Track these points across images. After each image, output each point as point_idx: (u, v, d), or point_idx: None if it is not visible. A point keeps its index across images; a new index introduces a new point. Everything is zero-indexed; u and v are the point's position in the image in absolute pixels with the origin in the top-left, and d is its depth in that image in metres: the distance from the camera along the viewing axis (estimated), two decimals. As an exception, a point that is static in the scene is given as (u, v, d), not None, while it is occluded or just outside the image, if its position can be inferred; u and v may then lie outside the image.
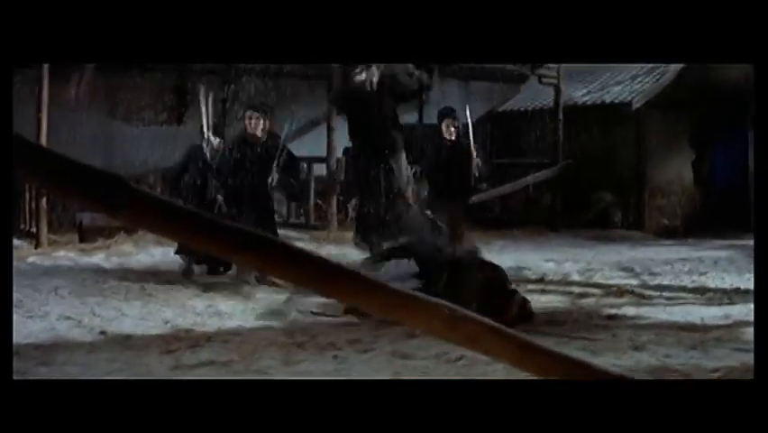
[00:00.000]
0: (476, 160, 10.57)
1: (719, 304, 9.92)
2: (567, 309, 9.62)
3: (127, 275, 11.42)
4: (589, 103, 20.69)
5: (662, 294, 10.71)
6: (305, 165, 16.63)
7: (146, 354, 7.19)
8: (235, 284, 10.38)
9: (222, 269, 11.13)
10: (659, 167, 20.38)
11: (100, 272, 11.78)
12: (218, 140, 11.09)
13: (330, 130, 16.74)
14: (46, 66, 13.85)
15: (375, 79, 9.65)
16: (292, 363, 6.89)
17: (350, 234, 15.76)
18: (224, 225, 2.43)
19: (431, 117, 17.35)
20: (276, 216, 11.86)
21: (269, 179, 10.34)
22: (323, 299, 8.38)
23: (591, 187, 20.05)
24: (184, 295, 10.04)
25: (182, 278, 10.98)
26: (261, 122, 10.49)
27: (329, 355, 7.22)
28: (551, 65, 19.87)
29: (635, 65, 20.65)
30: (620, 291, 10.75)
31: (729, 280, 11.79)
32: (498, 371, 5.54)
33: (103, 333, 8.05)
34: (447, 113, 10.82)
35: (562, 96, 20.24)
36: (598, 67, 21.43)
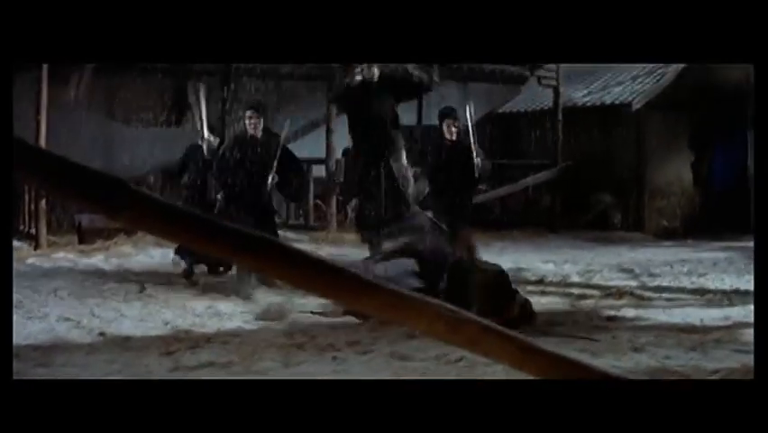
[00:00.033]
0: (477, 160, 10.53)
1: (719, 305, 9.92)
2: (566, 311, 9.62)
3: (127, 276, 11.43)
4: (588, 104, 20.71)
5: (661, 295, 10.72)
6: (304, 166, 16.64)
7: (145, 356, 7.18)
8: (236, 287, 10.34)
9: (221, 269, 11.13)
10: (659, 168, 20.39)
11: (99, 274, 11.79)
12: (216, 139, 11.08)
13: (329, 131, 16.76)
14: (45, 68, 13.86)
15: (375, 78, 9.62)
16: (291, 365, 6.89)
17: (349, 236, 15.77)
18: (223, 227, 2.43)
19: (430, 119, 17.38)
20: (276, 217, 11.83)
21: (269, 180, 10.31)
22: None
23: (591, 188, 20.05)
24: (183, 296, 10.04)
25: (183, 280, 10.96)
26: (261, 121, 10.48)
27: (328, 357, 7.21)
28: (550, 66, 19.89)
29: (636, 66, 20.67)
30: (620, 293, 10.75)
31: (729, 282, 11.80)
32: (498, 372, 5.54)
33: (102, 334, 8.05)
34: (448, 113, 10.78)
35: (561, 98, 20.25)
36: (599, 68, 21.44)
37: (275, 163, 10.30)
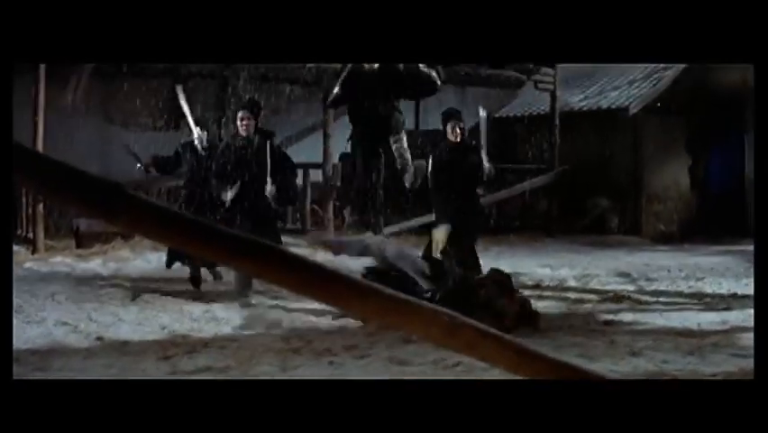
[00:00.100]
0: (487, 165, 10.49)
1: (716, 309, 9.93)
2: (564, 315, 9.62)
3: (124, 281, 11.43)
4: (585, 108, 20.73)
5: (659, 300, 10.72)
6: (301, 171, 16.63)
7: (143, 360, 7.18)
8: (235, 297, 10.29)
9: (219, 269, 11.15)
10: (655, 172, 20.42)
11: (97, 278, 11.78)
12: (204, 132, 10.99)
13: (326, 136, 16.75)
14: (42, 71, 13.86)
15: (375, 67, 9.51)
16: (289, 369, 6.89)
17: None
18: (220, 232, 2.43)
19: (427, 123, 17.40)
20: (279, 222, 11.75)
21: (267, 186, 10.25)
22: None
23: (588, 192, 20.08)
24: (181, 300, 10.03)
25: (179, 284, 10.91)
26: (253, 122, 10.41)
27: (325, 361, 7.21)
28: (547, 70, 19.90)
29: (633, 70, 20.70)
30: (617, 297, 10.75)
31: (726, 286, 11.81)
32: (496, 377, 5.54)
33: (99, 338, 8.05)
34: (453, 113, 10.71)
35: (558, 102, 20.27)
36: (595, 72, 21.47)
37: (268, 165, 10.25)
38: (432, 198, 10.58)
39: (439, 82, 9.72)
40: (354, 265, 12.42)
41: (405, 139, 9.85)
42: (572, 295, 10.95)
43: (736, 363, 7.08)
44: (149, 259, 13.09)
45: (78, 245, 14.46)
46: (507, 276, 9.20)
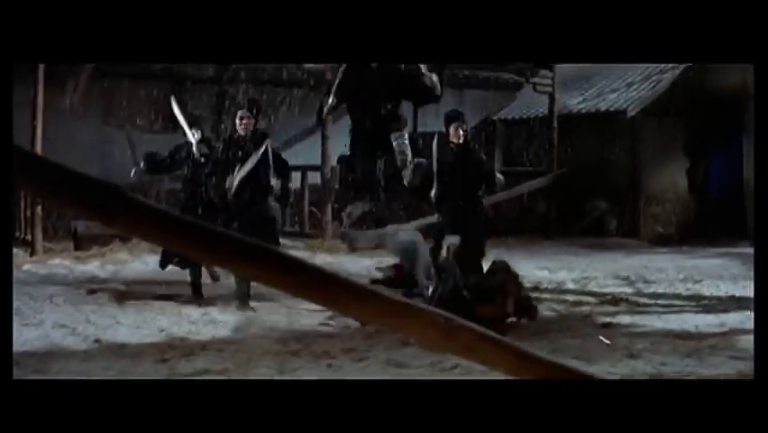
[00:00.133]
0: (499, 176, 10.47)
1: (714, 312, 9.93)
2: (562, 317, 9.62)
3: (121, 283, 11.42)
4: (584, 111, 20.71)
5: (657, 302, 10.73)
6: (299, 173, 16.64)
7: (141, 363, 7.18)
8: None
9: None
10: (654, 175, 20.41)
11: (95, 280, 11.78)
12: (198, 132, 10.92)
13: (324, 138, 16.73)
14: (41, 73, 13.86)
15: (374, 65, 9.40)
16: (287, 372, 6.89)
17: (344, 243, 15.77)
18: (219, 234, 2.43)
19: (425, 125, 17.38)
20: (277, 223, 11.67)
21: (271, 180, 10.22)
22: None
23: (586, 195, 20.06)
24: (179, 303, 10.02)
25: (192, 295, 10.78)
26: (252, 122, 10.38)
27: (323, 364, 7.22)
28: (545, 73, 19.90)
29: (631, 73, 20.70)
30: (615, 299, 10.76)
31: (724, 288, 11.82)
32: (494, 377, 5.53)
33: (97, 341, 8.05)
34: (455, 116, 10.65)
35: (556, 105, 20.27)
36: (593, 75, 21.47)
37: (270, 165, 10.23)
38: (435, 201, 10.52)
39: (439, 91, 9.60)
40: (353, 268, 12.44)
41: (407, 137, 9.74)
42: (571, 297, 10.95)
43: (734, 366, 7.09)
44: (147, 261, 13.08)
45: (77, 248, 14.46)
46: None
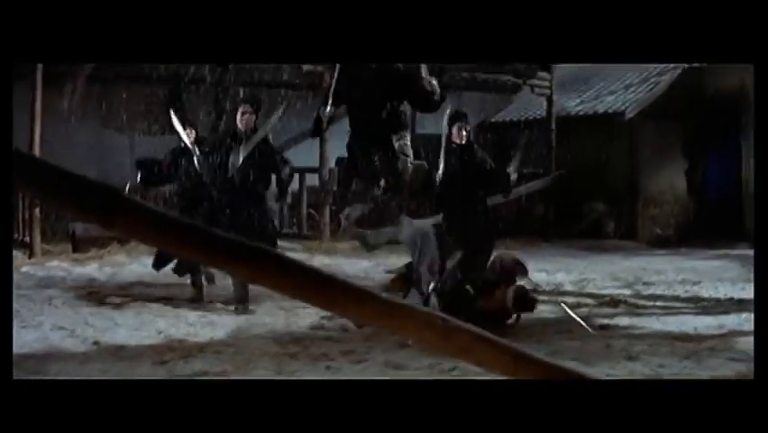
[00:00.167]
0: (512, 174, 10.40)
1: (713, 314, 9.93)
2: (560, 320, 9.62)
3: (120, 285, 11.42)
4: (581, 113, 20.72)
5: (655, 304, 10.73)
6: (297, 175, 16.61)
7: (139, 365, 7.17)
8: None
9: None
10: (652, 177, 20.43)
11: (93, 282, 11.77)
12: (192, 131, 10.83)
13: (322, 140, 16.73)
14: (39, 76, 13.86)
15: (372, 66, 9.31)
16: (285, 374, 6.88)
17: (342, 245, 15.77)
18: (217, 236, 2.44)
19: (423, 127, 17.39)
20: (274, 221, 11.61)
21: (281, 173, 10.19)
22: None
23: (584, 197, 20.07)
24: (177, 305, 10.02)
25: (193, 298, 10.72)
26: (253, 116, 10.33)
27: (322, 366, 7.21)
28: (544, 75, 19.92)
29: (629, 75, 20.72)
30: (613, 301, 10.76)
31: (723, 290, 11.82)
32: (492, 377, 5.53)
33: (96, 343, 8.04)
34: (458, 117, 10.60)
35: (554, 107, 20.28)
36: (591, 77, 21.48)
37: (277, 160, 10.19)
38: (439, 201, 10.46)
39: (438, 96, 9.45)
40: (351, 270, 12.44)
41: (408, 138, 9.61)
42: (569, 299, 10.93)
43: (733, 367, 7.09)
44: (145, 263, 13.03)
45: (75, 250, 14.46)
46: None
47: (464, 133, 10.27)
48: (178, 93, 18.22)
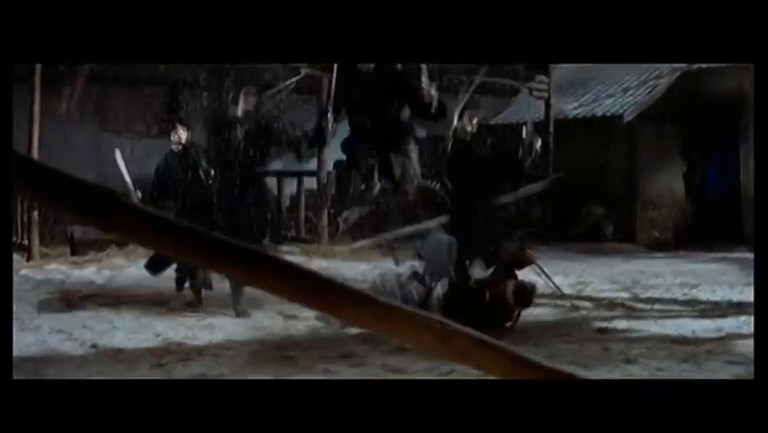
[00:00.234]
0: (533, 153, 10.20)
1: (711, 317, 9.93)
2: (558, 323, 9.62)
3: (118, 288, 11.41)
4: (580, 116, 20.73)
5: (653, 307, 10.72)
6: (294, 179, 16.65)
7: (137, 368, 7.17)
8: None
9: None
10: (650, 180, 20.43)
11: (92, 285, 11.77)
12: (187, 130, 10.77)
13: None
14: (38, 79, 13.86)
15: (371, 69, 9.22)
16: (283, 377, 6.88)
17: (340, 248, 15.77)
18: (215, 239, 2.44)
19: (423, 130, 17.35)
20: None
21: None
22: None
23: (582, 200, 20.07)
24: (175, 308, 10.02)
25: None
26: (257, 98, 10.28)
27: (320, 369, 7.21)
28: (542, 78, 19.93)
29: (627, 78, 20.72)
30: (612, 304, 10.75)
31: (721, 293, 11.81)
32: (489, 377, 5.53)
33: (94, 346, 8.04)
34: (469, 105, 10.55)
35: (552, 110, 20.28)
36: (590, 80, 21.49)
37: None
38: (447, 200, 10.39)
39: (435, 106, 9.34)
40: (350, 273, 12.43)
41: (415, 149, 9.40)
42: (567, 303, 10.94)
43: (731, 370, 7.09)
44: (143, 266, 13.07)
45: (73, 253, 14.45)
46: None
47: (475, 120, 10.21)
48: (175, 94, 18.25)
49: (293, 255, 13.91)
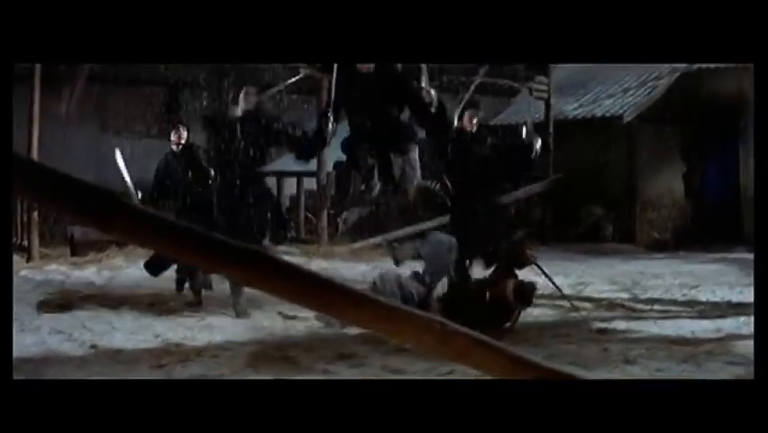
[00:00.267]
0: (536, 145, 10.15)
1: (711, 317, 9.92)
2: (557, 323, 9.62)
3: (118, 289, 11.40)
4: (580, 117, 20.73)
5: (653, 308, 10.71)
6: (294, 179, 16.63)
7: (136, 369, 7.17)
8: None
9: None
10: (650, 180, 20.43)
11: (92, 286, 11.76)
12: (185, 130, 10.77)
13: (320, 144, 16.69)
14: (37, 79, 13.86)
15: (372, 69, 9.19)
16: (283, 377, 6.87)
17: (340, 249, 15.78)
18: (215, 240, 2.44)
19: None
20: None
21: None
22: None
23: (582, 200, 20.07)
24: (174, 309, 10.01)
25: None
26: (258, 97, 10.26)
27: (320, 370, 7.20)
28: (542, 79, 19.93)
29: (627, 78, 20.72)
30: (611, 305, 10.75)
31: (720, 294, 11.80)
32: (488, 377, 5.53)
33: (94, 347, 8.03)
34: (471, 104, 10.57)
35: (552, 110, 20.28)
36: (589, 80, 21.49)
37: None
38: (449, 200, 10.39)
39: (434, 112, 9.30)
40: (349, 274, 12.43)
41: (415, 152, 9.40)
42: (566, 303, 10.93)
43: (731, 371, 7.08)
44: (143, 267, 13.06)
45: (73, 253, 14.45)
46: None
47: (475, 120, 10.22)
48: (175, 94, 18.26)
49: (292, 256, 13.90)
